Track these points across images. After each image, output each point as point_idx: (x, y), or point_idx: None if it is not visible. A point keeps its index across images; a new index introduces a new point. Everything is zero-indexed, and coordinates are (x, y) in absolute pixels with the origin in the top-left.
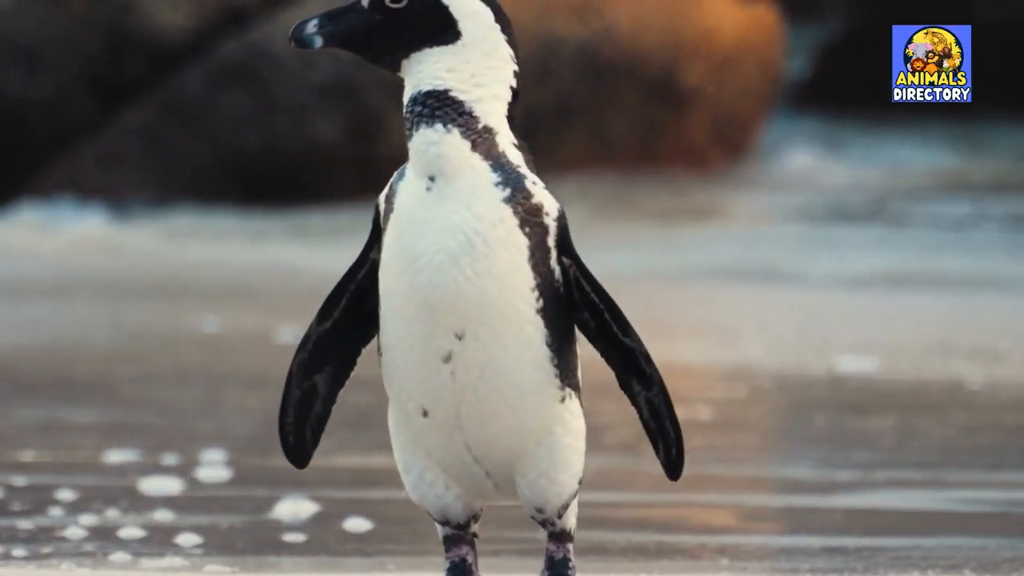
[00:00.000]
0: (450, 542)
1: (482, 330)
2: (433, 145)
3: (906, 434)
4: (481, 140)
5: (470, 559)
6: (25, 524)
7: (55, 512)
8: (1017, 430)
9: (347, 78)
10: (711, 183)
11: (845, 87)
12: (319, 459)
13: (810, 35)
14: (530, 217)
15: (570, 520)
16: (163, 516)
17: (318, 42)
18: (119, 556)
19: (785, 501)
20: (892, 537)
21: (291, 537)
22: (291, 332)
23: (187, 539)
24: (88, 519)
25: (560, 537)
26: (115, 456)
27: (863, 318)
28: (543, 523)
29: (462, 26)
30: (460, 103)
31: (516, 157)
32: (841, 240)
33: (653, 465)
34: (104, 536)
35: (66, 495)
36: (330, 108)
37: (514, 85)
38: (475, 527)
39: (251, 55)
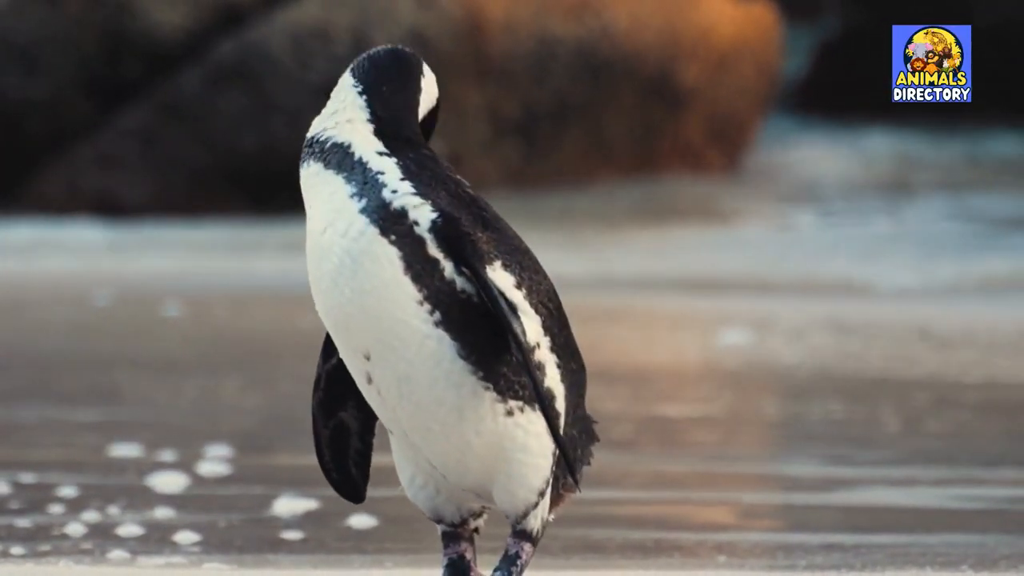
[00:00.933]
0: (448, 538)
1: (380, 348)
2: (304, 180)
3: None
4: (331, 156)
5: (468, 555)
6: (23, 522)
7: (54, 510)
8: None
9: None
10: (706, 185)
11: (842, 86)
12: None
13: (808, 35)
14: (392, 225)
15: (532, 522)
16: (162, 514)
17: None
18: (117, 554)
19: (783, 498)
20: (890, 534)
21: (289, 535)
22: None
23: (186, 537)
24: (87, 517)
25: (519, 535)
26: (115, 453)
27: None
28: (510, 522)
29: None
30: (312, 139)
31: (381, 165)
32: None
33: (650, 462)
34: (103, 534)
35: (65, 492)
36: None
37: (363, 103)
38: (477, 523)
39: (248, 55)
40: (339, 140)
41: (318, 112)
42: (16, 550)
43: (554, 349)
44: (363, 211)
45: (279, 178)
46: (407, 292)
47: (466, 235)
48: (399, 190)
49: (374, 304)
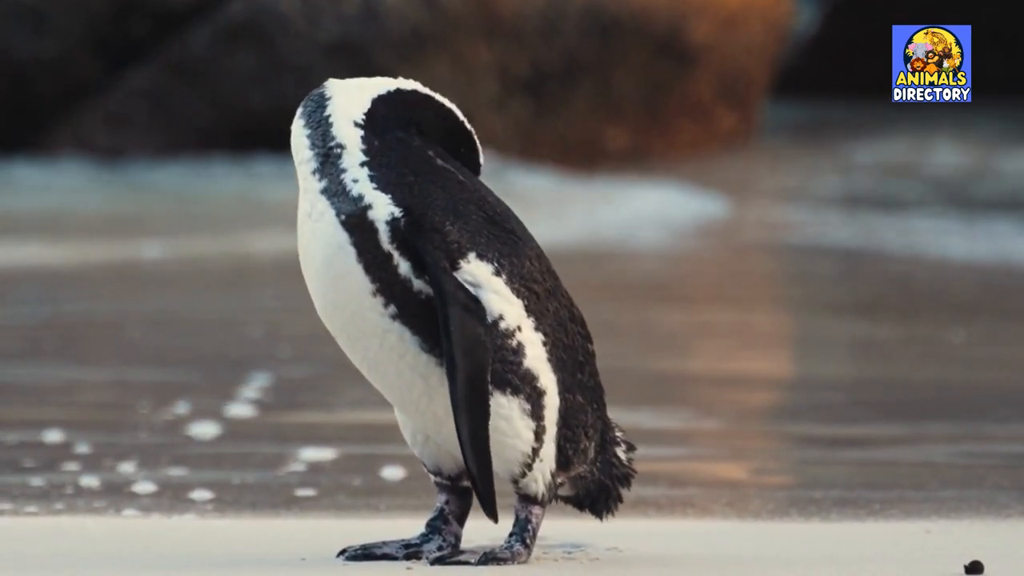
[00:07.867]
0: (440, 488)
1: (349, 332)
2: (293, 129)
3: None
4: (313, 116)
5: (449, 508)
6: (37, 481)
7: (68, 467)
8: None
9: (353, 37)
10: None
11: (851, 46)
12: (333, 415)
13: None
14: (347, 212)
15: (533, 486)
16: (176, 471)
17: None
18: (131, 511)
19: (797, 454)
20: (902, 489)
21: (303, 492)
22: None
23: (200, 494)
24: (101, 475)
25: (523, 499)
26: (129, 410)
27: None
28: (511, 482)
29: None
30: (314, 93)
31: (346, 138)
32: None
33: (661, 419)
34: (116, 491)
35: (79, 450)
36: (336, 67)
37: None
38: None
39: (257, 14)
40: (327, 111)
41: (327, 71)
42: (30, 508)
43: (540, 328)
44: (323, 192)
45: (288, 137)
46: (361, 284)
47: (432, 231)
48: (358, 178)
49: (334, 295)
